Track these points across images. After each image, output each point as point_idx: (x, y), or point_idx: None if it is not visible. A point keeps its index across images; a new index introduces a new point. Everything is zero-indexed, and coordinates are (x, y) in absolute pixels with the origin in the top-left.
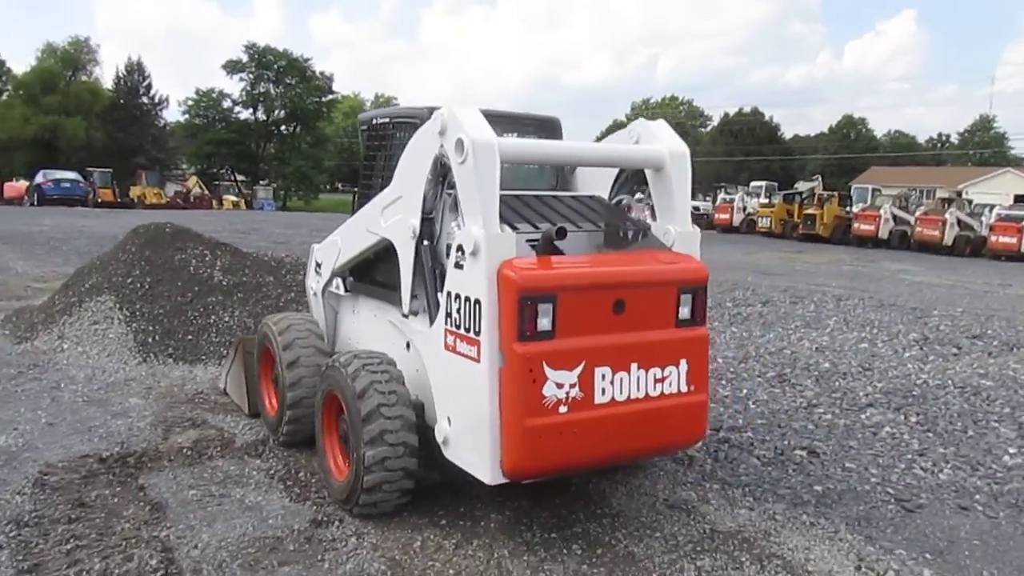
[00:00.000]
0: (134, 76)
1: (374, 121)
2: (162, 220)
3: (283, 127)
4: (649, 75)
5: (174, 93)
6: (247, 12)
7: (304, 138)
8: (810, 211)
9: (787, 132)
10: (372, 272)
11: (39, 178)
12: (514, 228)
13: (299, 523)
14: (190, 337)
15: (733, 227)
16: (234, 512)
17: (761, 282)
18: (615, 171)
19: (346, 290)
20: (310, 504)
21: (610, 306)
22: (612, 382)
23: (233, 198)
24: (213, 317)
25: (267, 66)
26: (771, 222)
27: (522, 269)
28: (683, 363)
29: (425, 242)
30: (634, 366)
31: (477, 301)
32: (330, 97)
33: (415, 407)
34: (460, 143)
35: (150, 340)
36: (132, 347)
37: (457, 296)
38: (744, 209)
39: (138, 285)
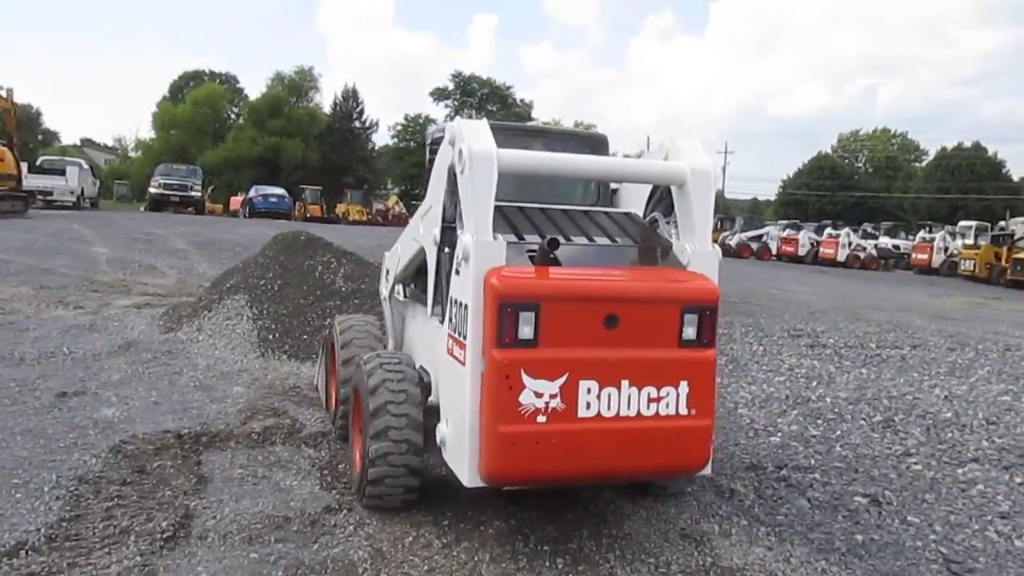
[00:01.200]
0: (349, 102)
1: (433, 136)
2: (359, 235)
3: None
4: (866, 106)
5: (387, 118)
6: (462, 43)
7: None
8: (1021, 255)
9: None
10: (424, 278)
11: (251, 193)
12: (521, 239)
13: (314, 507)
14: (305, 336)
15: (932, 269)
16: (265, 492)
17: (928, 326)
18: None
19: (405, 296)
20: (335, 493)
21: (601, 320)
22: (599, 397)
23: None
24: (328, 319)
25: (471, 93)
26: (975, 265)
27: (506, 276)
28: (684, 385)
29: (446, 249)
30: (625, 383)
31: (466, 306)
32: (529, 124)
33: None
34: (461, 153)
35: (270, 337)
36: (254, 342)
37: (455, 301)
38: (945, 250)
39: (269, 287)
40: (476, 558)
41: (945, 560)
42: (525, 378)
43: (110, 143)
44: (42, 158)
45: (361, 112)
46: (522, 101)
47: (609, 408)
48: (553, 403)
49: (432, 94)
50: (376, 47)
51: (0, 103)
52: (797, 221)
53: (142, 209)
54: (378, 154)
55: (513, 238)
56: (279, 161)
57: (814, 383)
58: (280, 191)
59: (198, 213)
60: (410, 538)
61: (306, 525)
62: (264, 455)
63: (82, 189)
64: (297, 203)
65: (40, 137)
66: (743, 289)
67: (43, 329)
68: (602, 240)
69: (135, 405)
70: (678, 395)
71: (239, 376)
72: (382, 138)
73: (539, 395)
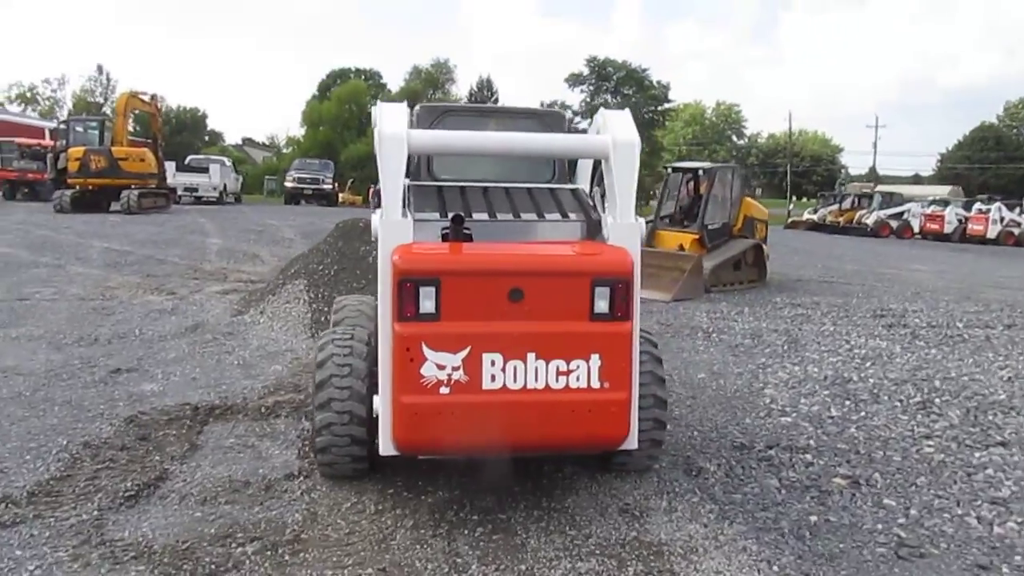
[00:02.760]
0: (483, 91)
1: None
2: None
3: None
4: None
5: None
6: (606, 27)
7: (642, 148)
8: None
9: None
10: None
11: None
12: (445, 216)
13: (277, 474)
14: None
15: None
16: (243, 460)
17: None
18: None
19: None
20: (307, 461)
21: (505, 294)
22: (504, 370)
23: None
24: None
25: (606, 77)
26: None
27: (406, 253)
28: (595, 358)
29: None
30: (531, 356)
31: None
32: (666, 106)
33: None
34: (375, 136)
35: (322, 319)
36: (307, 324)
37: (378, 279)
38: None
39: (326, 272)
40: (399, 524)
41: (899, 544)
42: (426, 351)
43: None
44: (189, 157)
45: (496, 102)
46: (658, 83)
47: (515, 381)
48: (456, 375)
49: (567, 80)
50: (517, 36)
51: (145, 107)
52: (946, 197)
53: (284, 202)
54: None
55: (436, 216)
56: None
57: (868, 364)
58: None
59: (330, 205)
60: (348, 503)
61: (261, 490)
62: (263, 427)
63: (224, 185)
64: None
65: (207, 138)
66: (853, 270)
67: (127, 313)
68: (529, 216)
69: (175, 381)
70: (589, 368)
71: (283, 356)
72: None
73: (441, 367)
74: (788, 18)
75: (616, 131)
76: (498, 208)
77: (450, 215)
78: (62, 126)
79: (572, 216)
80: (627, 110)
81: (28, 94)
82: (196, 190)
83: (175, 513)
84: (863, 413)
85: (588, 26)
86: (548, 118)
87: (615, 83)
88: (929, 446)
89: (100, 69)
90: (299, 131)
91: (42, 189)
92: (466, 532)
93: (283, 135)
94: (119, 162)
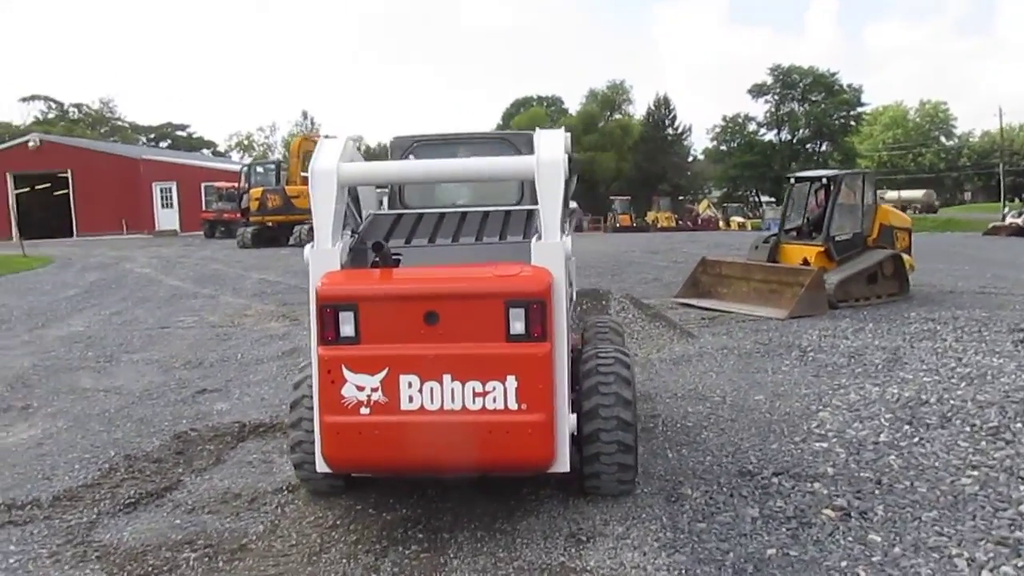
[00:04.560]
0: (661, 110)
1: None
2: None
3: (808, 145)
4: None
5: (707, 120)
6: (798, 31)
7: (831, 155)
8: None
9: None
10: None
11: None
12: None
13: (269, 487)
14: None
15: None
16: (252, 474)
17: None
18: None
19: None
20: None
21: (420, 317)
22: (421, 391)
23: (739, 219)
24: None
25: (791, 85)
26: None
27: (327, 280)
28: (511, 379)
29: None
30: (447, 377)
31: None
32: (859, 110)
33: None
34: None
35: None
36: None
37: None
38: None
39: None
40: (344, 539)
41: None
42: (346, 373)
43: None
44: None
45: (673, 119)
46: (849, 86)
47: (432, 401)
48: (375, 396)
49: (750, 91)
50: (702, 48)
51: (309, 147)
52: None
53: None
54: (692, 159)
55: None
56: (594, 175)
57: (963, 384)
58: (571, 205)
59: None
60: (313, 517)
61: (244, 502)
62: None
63: None
64: (608, 214)
65: None
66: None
67: (242, 339)
68: (468, 239)
69: (246, 401)
70: (505, 390)
71: None
72: (701, 141)
73: (361, 388)
74: (1006, 2)
75: (542, 151)
76: (443, 233)
77: (371, 243)
78: (245, 169)
79: (511, 238)
80: (562, 129)
81: (245, 142)
82: None
83: (159, 520)
84: (917, 439)
85: (779, 32)
86: (518, 140)
87: (801, 90)
88: (970, 476)
89: (305, 114)
90: None
91: (236, 227)
92: (399, 549)
93: None
94: (292, 200)
